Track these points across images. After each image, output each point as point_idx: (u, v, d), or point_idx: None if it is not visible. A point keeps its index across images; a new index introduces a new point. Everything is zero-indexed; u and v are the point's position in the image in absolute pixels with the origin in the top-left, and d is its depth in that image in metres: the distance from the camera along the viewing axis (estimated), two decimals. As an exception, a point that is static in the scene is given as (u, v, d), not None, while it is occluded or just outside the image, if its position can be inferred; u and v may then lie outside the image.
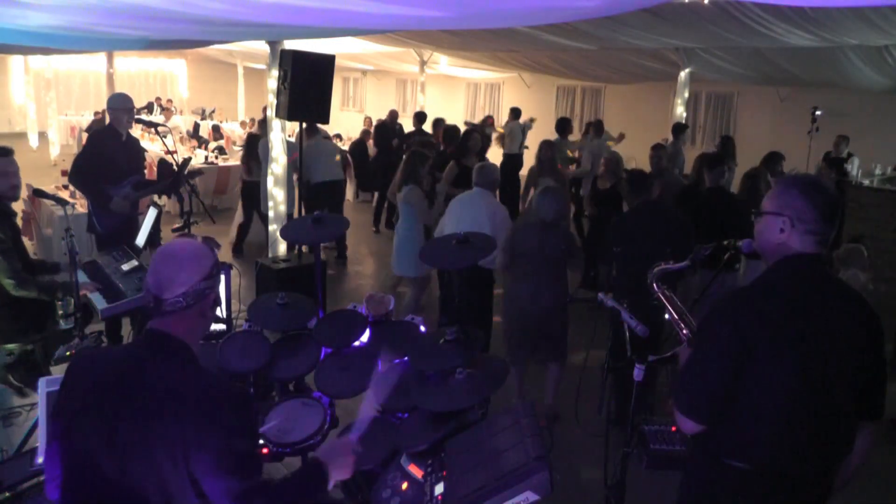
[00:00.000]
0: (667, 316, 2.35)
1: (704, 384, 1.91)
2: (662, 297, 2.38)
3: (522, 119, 11.22)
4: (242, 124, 15.68)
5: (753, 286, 1.99)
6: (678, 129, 9.10)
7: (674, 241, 4.29)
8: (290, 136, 8.20)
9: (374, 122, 13.43)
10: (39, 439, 2.47)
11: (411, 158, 5.79)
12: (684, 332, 2.27)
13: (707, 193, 5.36)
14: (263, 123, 9.92)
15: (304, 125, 7.39)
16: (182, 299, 1.66)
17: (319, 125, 7.66)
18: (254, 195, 8.20)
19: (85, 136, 14.42)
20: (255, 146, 8.24)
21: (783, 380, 1.84)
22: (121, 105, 5.06)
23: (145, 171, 5.61)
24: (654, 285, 2.41)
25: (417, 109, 13.19)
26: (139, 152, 5.40)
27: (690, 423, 1.94)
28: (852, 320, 1.89)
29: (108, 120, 5.23)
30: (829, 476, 1.95)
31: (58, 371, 3.70)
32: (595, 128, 10.12)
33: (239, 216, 8.77)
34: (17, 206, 4.24)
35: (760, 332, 1.84)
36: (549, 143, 7.28)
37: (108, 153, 4.99)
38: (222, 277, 2.93)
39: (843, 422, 1.90)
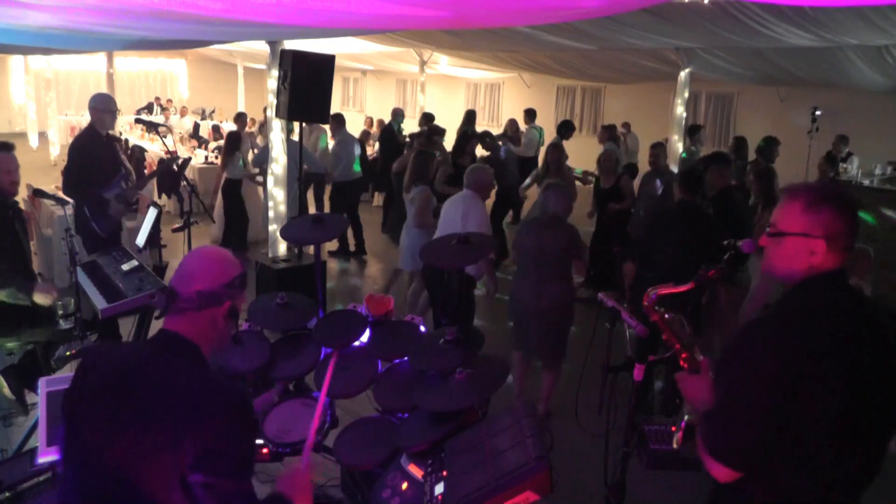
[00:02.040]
0: (665, 337, 2.17)
1: (747, 427, 1.66)
2: (660, 322, 2.18)
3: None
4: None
5: (791, 311, 1.74)
6: (693, 130, 9.06)
7: (705, 244, 4.26)
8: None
9: (376, 122, 13.46)
10: (39, 439, 2.47)
11: (418, 158, 5.81)
12: (684, 356, 2.11)
13: (714, 198, 5.33)
14: (238, 119, 10.12)
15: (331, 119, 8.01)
16: (196, 297, 1.66)
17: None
18: (236, 193, 8.23)
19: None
20: (237, 144, 8.26)
21: (834, 413, 1.64)
22: (104, 107, 5.06)
23: (145, 169, 5.62)
24: (653, 309, 2.19)
25: (418, 109, 13.21)
26: (116, 149, 5.39)
27: (726, 471, 1.69)
28: (892, 338, 1.71)
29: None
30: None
31: (58, 371, 3.69)
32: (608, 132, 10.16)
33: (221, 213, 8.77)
34: (18, 207, 4.25)
35: (809, 364, 1.62)
36: (556, 145, 7.32)
37: (94, 155, 4.99)
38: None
39: (886, 441, 1.76)
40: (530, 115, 10.98)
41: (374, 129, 13.23)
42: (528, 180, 7.67)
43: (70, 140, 17.89)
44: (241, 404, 1.62)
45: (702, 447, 1.73)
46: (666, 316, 2.17)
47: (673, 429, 2.16)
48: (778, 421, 1.63)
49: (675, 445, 2.11)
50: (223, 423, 1.55)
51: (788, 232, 1.73)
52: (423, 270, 5.27)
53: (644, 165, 9.93)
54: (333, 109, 6.31)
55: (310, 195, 9.58)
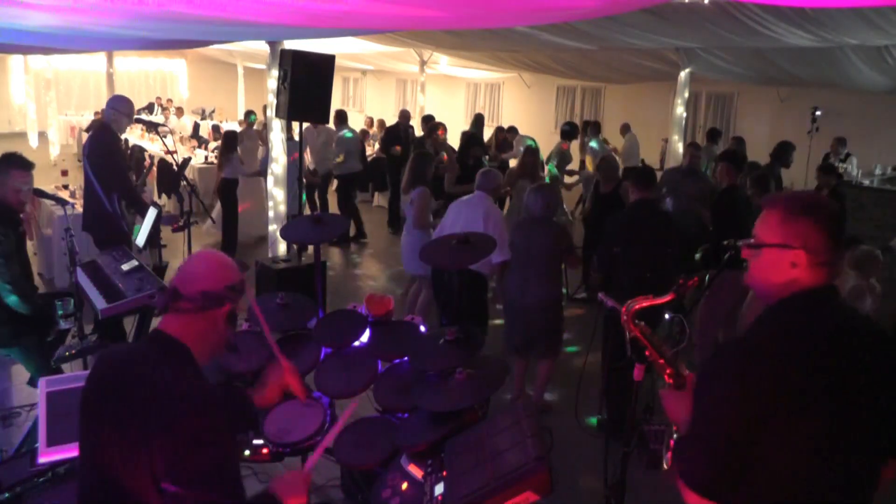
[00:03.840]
0: (647, 353, 2.07)
1: (712, 456, 1.60)
2: (640, 336, 2.06)
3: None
4: (241, 124, 15.72)
5: (762, 333, 1.66)
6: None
7: (673, 242, 4.28)
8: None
9: (376, 122, 13.46)
10: (39, 439, 2.47)
11: (416, 160, 5.87)
12: (668, 371, 2.02)
13: (721, 194, 5.35)
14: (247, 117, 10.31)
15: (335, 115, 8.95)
16: (200, 297, 1.67)
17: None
18: (231, 192, 8.31)
19: (86, 136, 14.41)
20: (234, 144, 8.29)
21: (809, 442, 1.55)
22: (126, 110, 5.16)
23: (144, 169, 5.75)
24: (631, 323, 2.07)
25: (418, 110, 13.20)
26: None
27: (696, 498, 1.63)
28: (879, 359, 1.62)
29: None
30: None
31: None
32: (592, 128, 10.18)
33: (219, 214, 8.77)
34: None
35: (779, 392, 1.54)
36: (533, 150, 7.46)
37: (119, 153, 5.12)
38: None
39: (873, 468, 1.66)
40: (513, 130, 11.31)
41: (374, 129, 13.23)
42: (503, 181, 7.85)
43: (70, 140, 17.80)
44: (213, 408, 1.59)
45: (676, 472, 1.68)
46: (647, 331, 2.06)
47: (675, 428, 2.09)
48: (744, 451, 1.57)
49: (665, 466, 1.99)
50: (192, 427, 1.53)
51: (767, 243, 1.67)
52: (432, 271, 5.33)
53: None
54: (333, 109, 6.32)
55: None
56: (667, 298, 2.06)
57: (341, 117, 9.40)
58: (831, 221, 1.63)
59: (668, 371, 1.98)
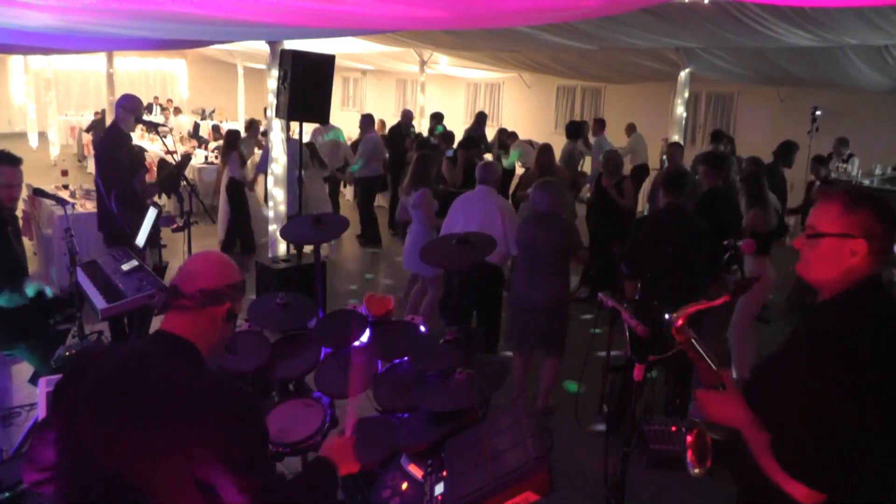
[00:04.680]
0: (690, 354, 1.98)
1: (823, 448, 1.63)
2: (686, 344, 1.96)
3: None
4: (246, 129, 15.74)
5: (857, 321, 1.71)
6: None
7: (699, 250, 4.22)
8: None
9: (377, 122, 13.44)
10: (39, 439, 2.47)
11: (419, 161, 5.84)
12: (707, 373, 1.96)
13: (703, 196, 5.32)
14: (251, 126, 10.37)
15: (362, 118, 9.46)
16: (199, 294, 1.68)
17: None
18: (239, 192, 8.29)
19: (86, 136, 14.43)
20: (235, 143, 8.28)
21: None
22: (131, 108, 5.18)
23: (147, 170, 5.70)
24: (684, 331, 1.95)
25: (418, 110, 13.20)
26: (135, 149, 5.54)
27: (803, 489, 1.65)
28: None
29: (108, 119, 5.26)
30: None
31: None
32: (598, 125, 10.20)
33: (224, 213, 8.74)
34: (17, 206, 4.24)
35: (879, 382, 1.62)
36: (547, 148, 7.37)
37: (123, 153, 5.10)
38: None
39: None
40: (513, 136, 11.21)
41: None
42: (518, 181, 7.84)
43: (70, 140, 17.78)
44: (248, 402, 1.63)
45: (779, 470, 1.68)
46: (693, 339, 1.97)
47: (691, 460, 1.97)
48: (856, 441, 1.62)
49: (695, 471, 1.95)
50: (238, 424, 1.55)
51: (827, 233, 1.74)
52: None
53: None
54: (333, 109, 6.32)
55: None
56: (721, 300, 2.04)
57: (369, 120, 9.58)
58: (888, 211, 1.72)
59: (707, 373, 1.93)
